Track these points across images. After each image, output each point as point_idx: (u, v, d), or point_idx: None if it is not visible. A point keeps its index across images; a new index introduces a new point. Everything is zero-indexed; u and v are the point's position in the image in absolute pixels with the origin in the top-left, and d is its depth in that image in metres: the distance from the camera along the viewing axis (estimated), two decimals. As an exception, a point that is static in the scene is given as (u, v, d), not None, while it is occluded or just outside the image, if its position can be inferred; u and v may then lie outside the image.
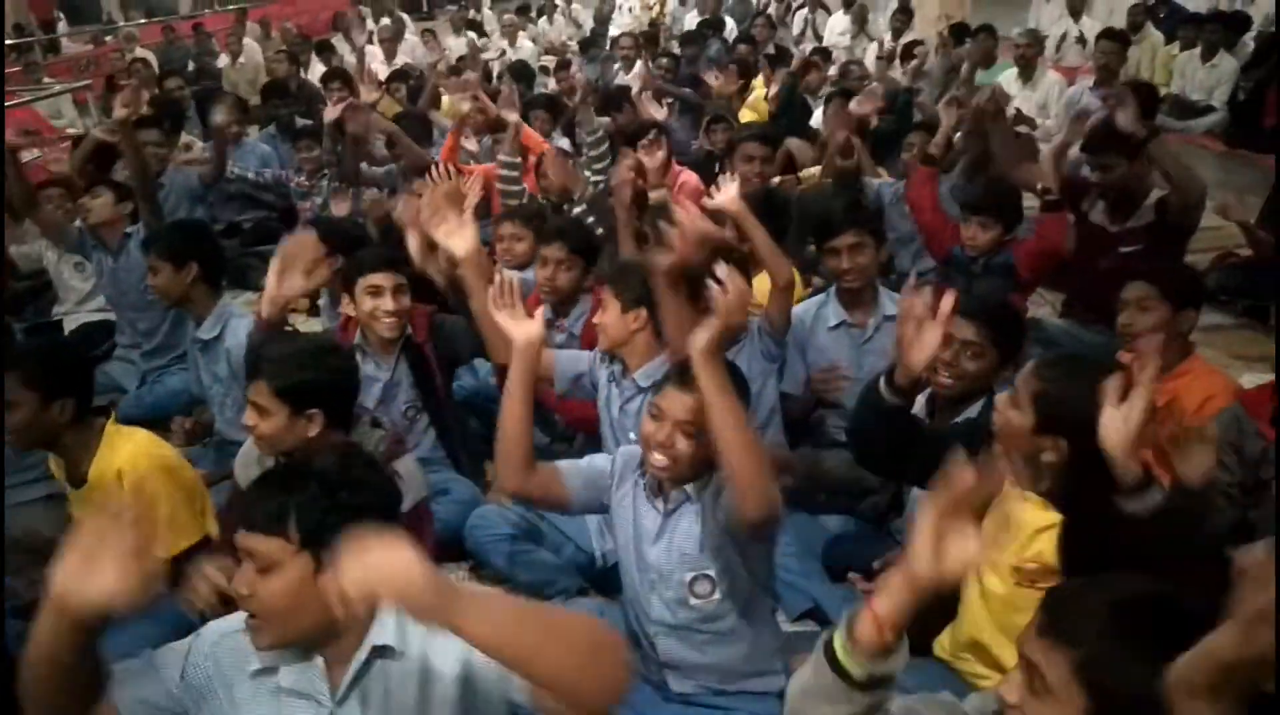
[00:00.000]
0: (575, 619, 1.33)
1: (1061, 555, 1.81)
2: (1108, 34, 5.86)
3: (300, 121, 5.35)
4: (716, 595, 2.00)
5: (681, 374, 1.94)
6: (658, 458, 1.94)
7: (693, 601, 2.01)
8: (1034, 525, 1.86)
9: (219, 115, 4.69)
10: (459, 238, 2.51)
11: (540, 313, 2.12)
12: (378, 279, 2.83)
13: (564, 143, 5.32)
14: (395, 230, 4.22)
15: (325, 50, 9.10)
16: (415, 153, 4.80)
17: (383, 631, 1.41)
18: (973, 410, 2.39)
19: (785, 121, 5.27)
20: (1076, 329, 3.58)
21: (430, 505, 2.33)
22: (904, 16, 8.83)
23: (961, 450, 1.94)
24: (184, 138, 5.37)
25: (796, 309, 3.23)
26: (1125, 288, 2.65)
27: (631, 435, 2.59)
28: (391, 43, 9.31)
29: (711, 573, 1.99)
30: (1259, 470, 2.21)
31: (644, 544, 2.05)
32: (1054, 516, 1.83)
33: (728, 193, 2.80)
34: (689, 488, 1.99)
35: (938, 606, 1.98)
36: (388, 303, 2.84)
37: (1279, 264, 3.46)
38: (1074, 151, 4.12)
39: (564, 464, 2.15)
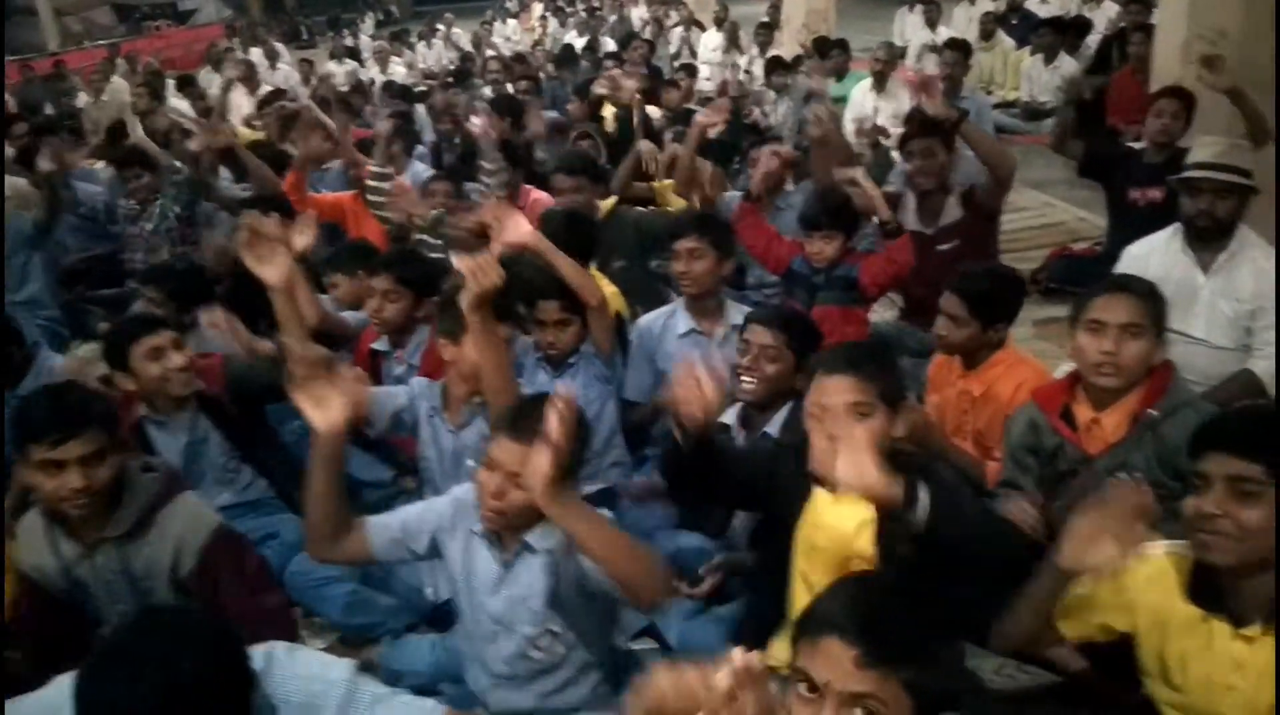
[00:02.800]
0: None
1: (878, 545, 1.84)
2: (951, 44, 6.07)
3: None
4: (560, 648, 1.96)
5: (514, 421, 1.88)
6: (490, 506, 1.88)
7: (534, 654, 1.96)
8: (853, 522, 1.87)
9: (43, 162, 4.44)
10: (270, 266, 2.45)
11: (352, 389, 1.98)
12: (156, 340, 2.67)
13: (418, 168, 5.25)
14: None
15: (186, 85, 8.85)
16: (265, 178, 4.68)
17: None
18: (781, 415, 2.43)
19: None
20: (914, 331, 3.67)
21: (232, 535, 2.26)
22: (766, 31, 9.02)
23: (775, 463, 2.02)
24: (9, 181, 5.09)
25: (645, 318, 3.29)
26: (942, 298, 2.71)
27: (470, 463, 2.54)
28: (251, 74, 9.08)
29: (557, 628, 1.94)
30: (1055, 463, 2.27)
31: (482, 595, 1.99)
32: (869, 511, 1.84)
33: (518, 229, 2.83)
34: (528, 537, 1.93)
35: (774, 617, 2.03)
36: (175, 360, 2.69)
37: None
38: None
39: (375, 521, 2.06)
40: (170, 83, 9.40)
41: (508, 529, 1.93)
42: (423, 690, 2.25)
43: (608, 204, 4.47)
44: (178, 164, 5.04)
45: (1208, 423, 1.62)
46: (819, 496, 1.92)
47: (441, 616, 2.52)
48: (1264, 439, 1.49)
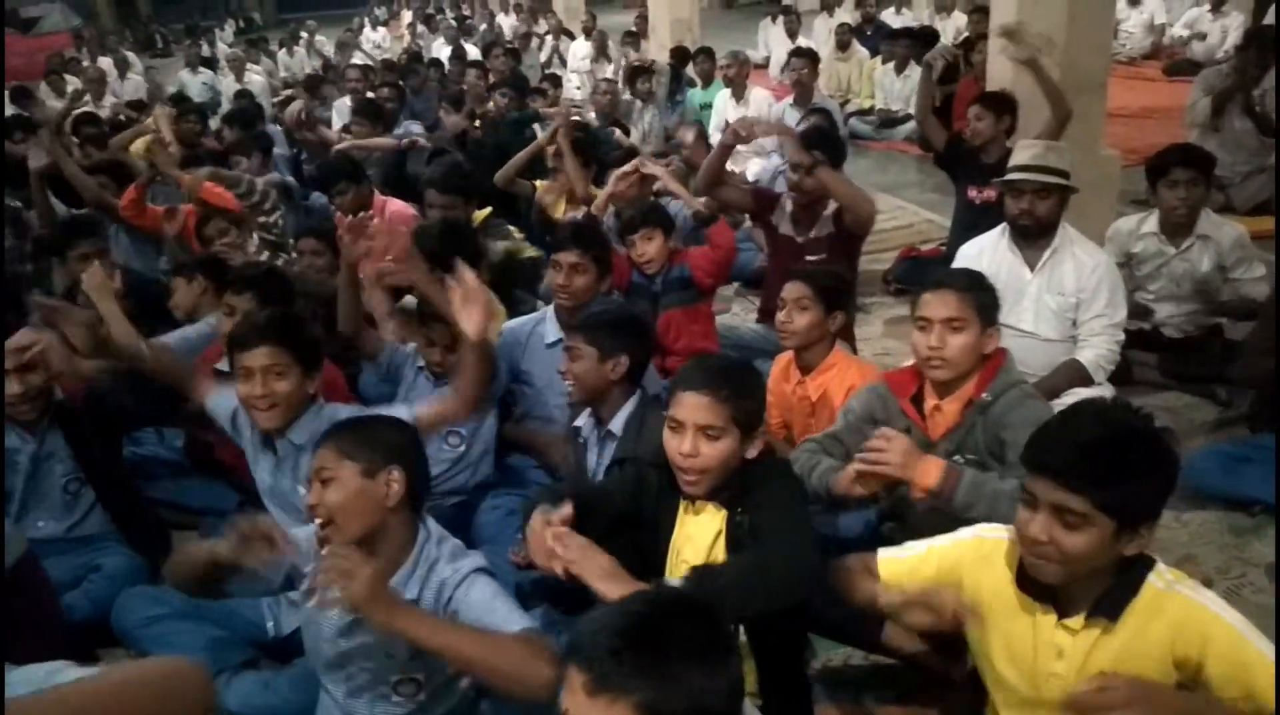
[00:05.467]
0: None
1: (729, 553, 1.84)
2: (797, 53, 6.24)
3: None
4: (422, 696, 1.86)
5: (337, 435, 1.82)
6: (320, 530, 1.78)
7: (395, 699, 1.86)
8: (710, 533, 1.88)
9: None
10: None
11: None
12: None
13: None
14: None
15: (23, 97, 8.34)
16: (96, 196, 4.49)
17: None
18: (624, 412, 2.45)
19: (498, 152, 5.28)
20: (769, 333, 3.73)
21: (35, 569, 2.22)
22: (633, 39, 9.11)
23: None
24: None
25: (511, 323, 3.26)
26: (786, 287, 2.79)
27: (303, 490, 2.44)
28: (99, 84, 8.64)
29: (420, 676, 1.85)
30: None
31: (338, 637, 1.86)
32: (723, 518, 1.86)
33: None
34: (394, 581, 1.79)
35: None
36: (13, 386, 2.55)
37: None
38: (763, 166, 4.40)
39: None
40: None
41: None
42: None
43: (479, 216, 4.44)
44: None
45: (1036, 440, 1.57)
46: (683, 509, 1.93)
47: (280, 651, 2.42)
48: (1088, 470, 1.46)
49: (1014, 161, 3.17)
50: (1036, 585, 1.60)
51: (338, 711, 1.93)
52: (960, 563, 1.72)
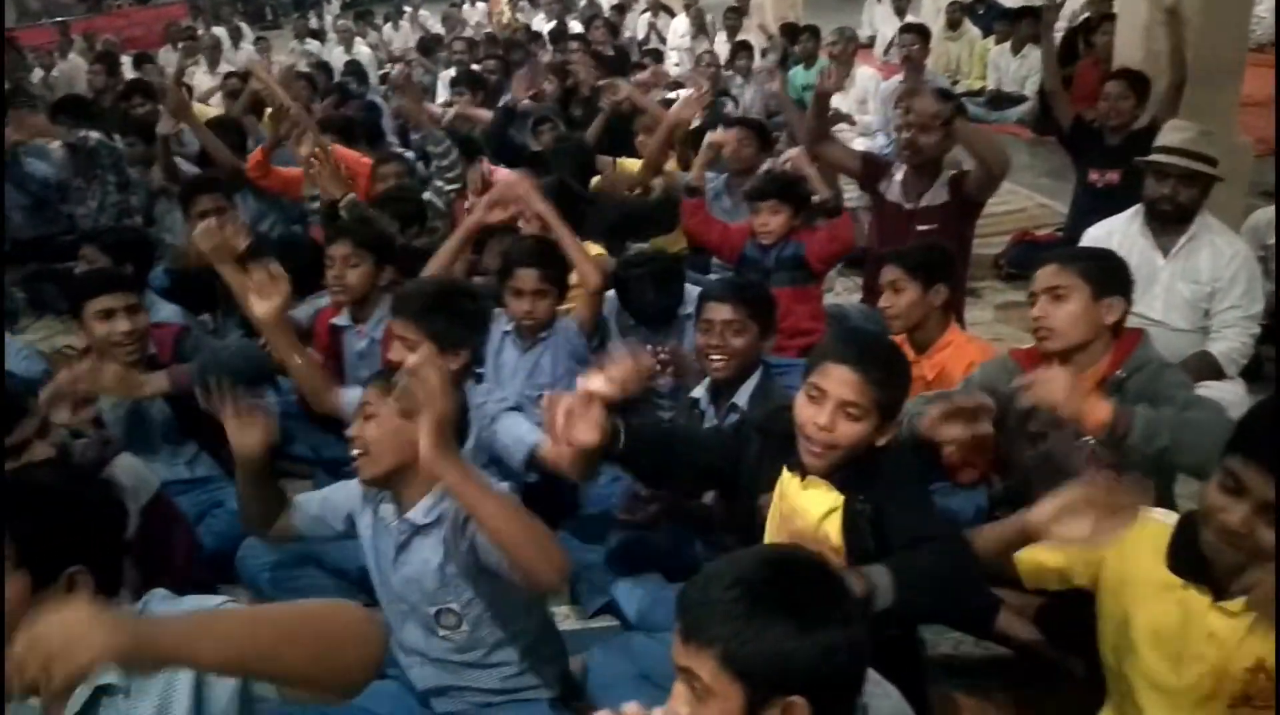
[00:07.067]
0: (314, 610, 1.30)
1: (845, 535, 1.79)
2: (908, 28, 6.07)
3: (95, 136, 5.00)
4: (465, 627, 1.91)
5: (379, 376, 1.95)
6: (359, 465, 1.89)
7: (441, 633, 1.92)
8: (821, 509, 1.82)
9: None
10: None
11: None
12: (108, 301, 2.68)
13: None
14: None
15: (144, 63, 8.67)
16: (224, 157, 4.64)
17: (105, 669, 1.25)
18: (749, 386, 2.42)
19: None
20: (876, 313, 3.66)
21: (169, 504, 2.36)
22: (735, 15, 8.99)
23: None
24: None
25: None
26: (881, 273, 2.77)
27: None
28: (214, 51, 8.93)
29: (455, 606, 1.90)
30: (1027, 423, 2.26)
31: (388, 573, 1.96)
32: (837, 498, 1.80)
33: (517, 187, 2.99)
34: (411, 515, 1.89)
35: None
36: (122, 324, 2.69)
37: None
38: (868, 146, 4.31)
39: (300, 500, 2.16)
40: (126, 61, 9.21)
41: (384, 486, 1.92)
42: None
43: (594, 184, 4.46)
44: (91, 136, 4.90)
45: (1253, 426, 1.47)
46: (787, 480, 1.88)
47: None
48: None
49: (1162, 141, 3.02)
50: (1191, 566, 1.54)
51: (402, 652, 2.01)
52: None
